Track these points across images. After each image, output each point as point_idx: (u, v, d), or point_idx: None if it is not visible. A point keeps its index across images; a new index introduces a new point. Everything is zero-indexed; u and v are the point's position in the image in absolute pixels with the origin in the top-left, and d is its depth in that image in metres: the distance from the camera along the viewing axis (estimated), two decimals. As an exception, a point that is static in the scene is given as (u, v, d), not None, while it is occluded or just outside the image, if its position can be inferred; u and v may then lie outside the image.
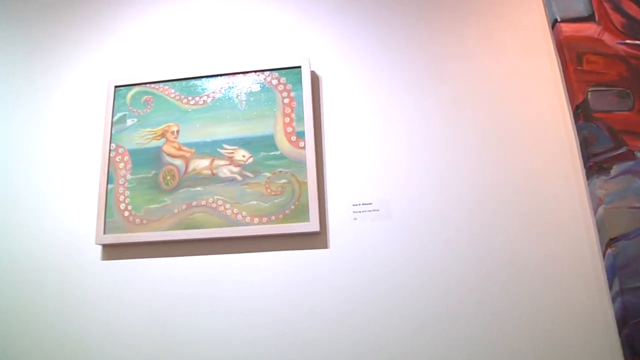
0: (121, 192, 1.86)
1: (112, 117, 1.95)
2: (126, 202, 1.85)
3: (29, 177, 2.01)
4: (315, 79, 1.91)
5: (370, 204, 1.77)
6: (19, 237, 1.93)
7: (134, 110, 1.95)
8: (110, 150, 1.91)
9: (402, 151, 1.81)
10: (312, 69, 1.93)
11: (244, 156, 1.83)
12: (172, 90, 1.96)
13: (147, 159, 1.88)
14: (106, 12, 2.21)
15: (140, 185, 1.85)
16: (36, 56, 2.21)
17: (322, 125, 1.88)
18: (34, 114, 2.10)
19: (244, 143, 1.84)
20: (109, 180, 1.88)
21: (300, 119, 1.84)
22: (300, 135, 1.82)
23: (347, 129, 1.87)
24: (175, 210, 1.81)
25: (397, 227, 1.64)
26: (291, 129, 1.84)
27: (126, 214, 1.83)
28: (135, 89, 1.98)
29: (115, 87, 1.98)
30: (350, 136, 1.86)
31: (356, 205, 1.78)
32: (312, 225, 1.71)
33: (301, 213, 1.73)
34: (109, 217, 1.84)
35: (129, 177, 1.87)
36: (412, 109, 1.86)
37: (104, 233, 1.82)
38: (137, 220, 1.82)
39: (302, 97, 1.86)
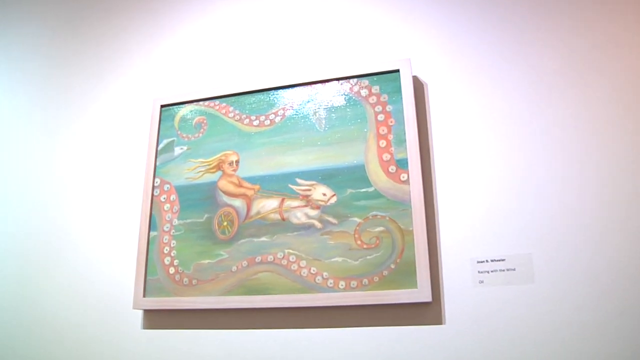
0: (166, 242, 1.41)
1: (157, 144, 1.52)
2: (172, 255, 1.40)
3: (59, 217, 1.62)
4: (418, 87, 1.40)
5: (502, 260, 1.25)
6: (45, 293, 1.53)
7: (184, 135, 1.52)
8: (154, 187, 1.48)
9: (546, 186, 1.24)
10: (413, 74, 1.40)
11: (324, 194, 1.32)
12: (231, 109, 1.51)
13: (199, 199, 1.43)
14: (151, 16, 1.81)
15: (190, 234, 1.40)
16: (70, 67, 1.84)
17: (430, 150, 1.35)
18: (66, 141, 1.73)
19: (324, 177, 1.34)
20: (151, 226, 1.44)
21: (401, 142, 1.32)
22: (402, 164, 1.30)
23: (465, 155, 1.34)
24: (234, 268, 1.33)
25: (543, 294, 1.20)
26: (389, 156, 1.32)
27: (172, 270, 1.38)
28: (185, 108, 1.55)
29: (162, 106, 1.56)
30: (470, 165, 1.33)
31: (482, 262, 1.24)
32: (422, 293, 1.18)
33: (405, 275, 1.21)
34: (151, 274, 1.39)
35: (175, 222, 1.42)
36: (556, 124, 1.29)
37: (145, 295, 1.38)
38: (186, 280, 1.36)
39: (402, 111, 1.34)
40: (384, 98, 1.39)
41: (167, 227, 1.45)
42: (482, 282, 1.25)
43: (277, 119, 1.47)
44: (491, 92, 1.38)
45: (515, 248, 1.25)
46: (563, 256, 1.21)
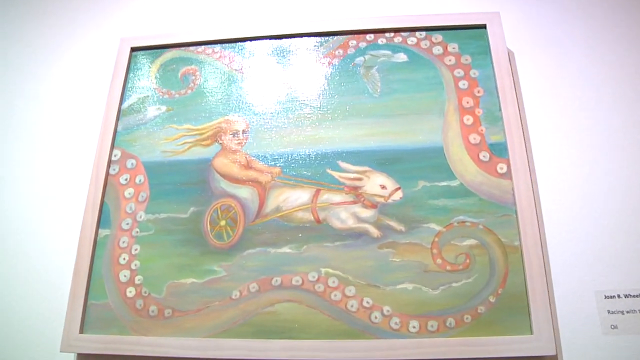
0: (124, 246, 0.88)
1: (121, 101, 0.99)
2: (133, 267, 0.87)
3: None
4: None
5: None
6: None
7: (163, 90, 1.01)
8: (110, 163, 0.94)
9: None
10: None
11: (383, 187, 0.86)
12: (237, 57, 1.02)
13: (182, 184, 0.92)
14: None
15: (165, 236, 0.88)
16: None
17: (526, 134, 0.93)
18: None
19: (382, 161, 0.88)
20: (100, 220, 0.89)
21: (496, 119, 0.89)
22: (498, 150, 0.87)
23: (579, 145, 0.96)
24: (235, 294, 0.83)
25: None
26: (478, 139, 0.88)
27: (130, 293, 0.85)
28: (167, 55, 1.05)
29: (133, 49, 1.05)
30: (587, 158, 0.94)
31: (611, 298, 0.84)
32: (540, 343, 0.76)
33: (511, 313, 0.79)
34: (96, 296, 0.86)
35: (142, 217, 0.90)
36: None
37: (82, 331, 0.83)
38: (153, 309, 0.83)
39: (493, 78, 0.92)
40: (466, 60, 0.97)
41: (126, 224, 0.91)
42: (615, 327, 0.83)
43: (310, 75, 0.99)
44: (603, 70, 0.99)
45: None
46: None
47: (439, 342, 0.79)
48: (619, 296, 0.86)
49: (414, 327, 0.81)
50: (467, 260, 0.84)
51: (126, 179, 0.96)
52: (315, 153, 0.93)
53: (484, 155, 0.90)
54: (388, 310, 0.82)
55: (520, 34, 1.05)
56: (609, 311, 0.85)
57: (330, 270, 0.85)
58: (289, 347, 0.81)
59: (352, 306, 0.83)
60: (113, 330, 0.86)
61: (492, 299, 0.81)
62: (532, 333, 0.79)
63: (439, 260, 0.84)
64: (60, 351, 0.85)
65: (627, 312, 0.85)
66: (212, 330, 0.84)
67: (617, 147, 0.93)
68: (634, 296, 0.85)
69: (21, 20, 1.23)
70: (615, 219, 0.89)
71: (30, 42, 1.19)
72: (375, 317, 0.82)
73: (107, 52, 1.13)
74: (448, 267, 0.84)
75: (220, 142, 0.96)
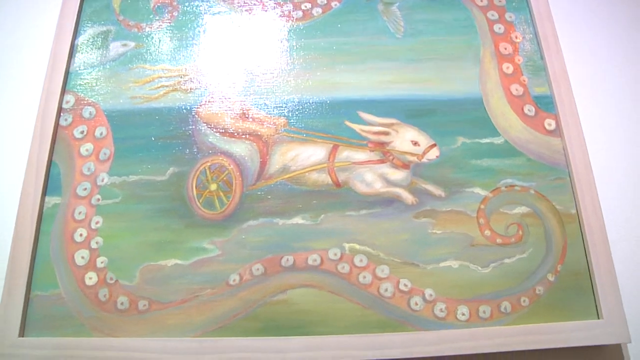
0: (80, 218, 0.66)
1: (74, 35, 0.76)
2: (93, 245, 0.65)
3: None
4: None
5: None
6: None
7: (130, 23, 0.79)
8: (60, 111, 0.71)
9: None
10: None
11: (416, 144, 0.69)
12: (228, -14, 0.81)
13: (158, 138, 0.71)
14: None
15: (135, 205, 0.67)
16: None
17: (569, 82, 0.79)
18: None
19: (412, 113, 0.72)
20: (47, 184, 0.66)
21: (538, 69, 0.75)
22: (544, 104, 0.75)
23: (623, 98, 0.81)
24: (234, 279, 0.63)
25: None
26: (521, 90, 0.74)
27: (91, 279, 0.64)
28: (135, -23, 0.82)
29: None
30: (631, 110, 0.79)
31: None
32: (611, 328, 0.63)
33: (576, 293, 0.66)
34: (41, 286, 0.62)
35: (105, 179, 0.68)
36: None
37: (23, 333, 0.60)
38: (123, 301, 0.61)
39: (532, 23, 0.78)
40: (500, 2, 0.82)
41: (84, 190, 0.69)
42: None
43: (316, 11, 0.81)
44: None
45: None
46: None
47: (494, 332, 0.64)
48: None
49: (463, 314, 0.65)
50: (520, 232, 0.69)
51: (82, 132, 0.73)
52: (329, 101, 0.75)
53: (529, 109, 0.76)
54: (431, 295, 0.66)
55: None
56: None
57: (357, 246, 0.67)
58: (308, 346, 0.62)
59: (386, 290, 0.66)
60: (67, 331, 0.64)
61: (551, 278, 0.67)
62: (600, 317, 0.64)
63: (487, 232, 0.69)
64: (-8, 360, 0.62)
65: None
66: (204, 327, 0.64)
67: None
68: None
69: None
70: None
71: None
72: (416, 304, 0.65)
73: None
74: (498, 240, 0.69)
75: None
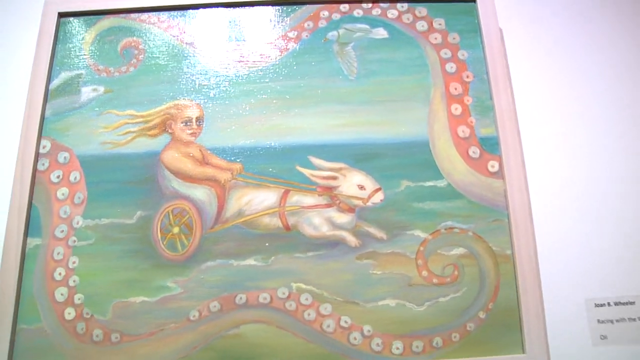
0: (59, 258, 0.75)
1: (49, 79, 0.82)
2: (70, 283, 0.74)
3: None
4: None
5: (632, 304, 0.81)
6: None
7: (100, 67, 0.84)
8: (37, 156, 0.78)
9: None
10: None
11: (362, 188, 0.75)
12: (190, 28, 0.85)
13: (126, 183, 0.78)
14: None
15: (108, 246, 0.75)
16: None
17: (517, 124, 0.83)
18: None
19: (360, 157, 0.77)
20: (28, 228, 0.75)
21: (487, 109, 0.79)
22: (489, 146, 0.78)
23: (570, 140, 0.88)
24: (194, 315, 0.72)
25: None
26: (468, 132, 0.78)
27: (69, 314, 0.73)
28: (104, 22, 0.88)
29: (61, 15, 0.86)
30: (579, 154, 0.87)
31: (601, 306, 0.80)
32: None
33: (503, 330, 0.73)
34: (26, 320, 0.73)
35: (79, 222, 0.76)
36: None
37: (10, 363, 0.70)
38: (98, 334, 0.72)
39: (484, 61, 0.80)
40: (454, 39, 0.85)
41: (61, 232, 0.77)
42: (604, 337, 0.78)
43: (274, 54, 0.85)
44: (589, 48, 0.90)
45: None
46: None
47: (424, 365, 0.71)
48: (608, 304, 0.80)
49: (397, 348, 0.73)
50: (456, 272, 0.76)
51: (58, 177, 0.80)
52: (282, 146, 0.81)
53: (474, 151, 0.80)
54: (369, 330, 0.74)
55: (513, 9, 0.93)
56: (598, 320, 0.80)
57: (303, 286, 0.75)
58: (258, 375, 0.71)
59: (328, 326, 0.74)
60: (49, 360, 0.73)
61: (482, 315, 0.74)
62: (524, 352, 0.72)
63: (424, 273, 0.75)
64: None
65: (617, 320, 0.80)
66: (169, 357, 0.73)
67: (614, 149, 0.85)
68: (623, 304, 0.80)
69: None
70: (608, 224, 0.83)
71: None
72: (355, 339, 0.73)
73: (29, 17, 0.93)
74: (435, 280, 0.75)
75: (170, 131, 0.82)
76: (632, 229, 0.83)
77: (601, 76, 0.90)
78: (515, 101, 0.87)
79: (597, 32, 0.93)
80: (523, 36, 0.93)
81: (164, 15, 0.88)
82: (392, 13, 0.88)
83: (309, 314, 0.74)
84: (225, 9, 0.88)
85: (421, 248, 0.76)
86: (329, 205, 0.78)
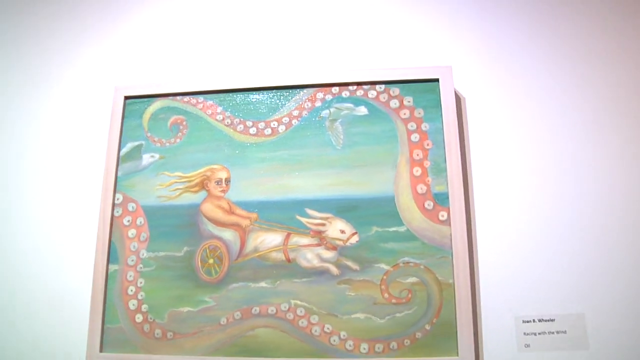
0: (131, 279, 1.08)
1: (119, 148, 1.15)
2: (139, 297, 1.08)
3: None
4: (457, 102, 1.12)
5: (552, 320, 1.06)
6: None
7: (155, 139, 1.16)
8: (114, 206, 1.12)
9: (606, 234, 1.08)
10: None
11: (342, 232, 1.05)
12: (219, 109, 1.17)
13: (176, 226, 1.11)
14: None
15: (164, 272, 1.08)
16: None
17: (469, 182, 1.10)
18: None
19: (342, 209, 1.06)
20: (109, 257, 1.09)
21: (440, 171, 1.06)
22: (441, 200, 1.05)
23: (511, 191, 1.14)
24: (223, 321, 1.04)
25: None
26: (425, 189, 1.06)
27: (139, 318, 1.06)
28: (158, 103, 1.19)
29: (127, 98, 1.18)
30: (516, 204, 1.13)
31: (528, 322, 1.05)
32: None
33: (443, 338, 1.01)
34: (110, 321, 1.07)
35: (144, 254, 1.09)
36: (618, 155, 1.10)
37: (102, 350, 1.05)
38: (158, 332, 1.05)
39: (441, 132, 1.08)
40: (419, 113, 1.11)
41: (132, 260, 1.11)
42: (528, 346, 1.05)
43: (282, 128, 1.15)
44: (540, 112, 1.15)
45: (567, 307, 1.05)
46: (620, 317, 1.03)
47: (383, 361, 1.01)
48: (533, 321, 1.07)
49: (364, 348, 1.03)
50: (409, 295, 1.04)
51: (128, 221, 1.14)
52: (286, 200, 1.11)
53: (429, 204, 1.08)
54: (344, 335, 1.04)
55: (472, 79, 1.18)
56: (524, 333, 1.06)
57: (299, 302, 1.06)
58: (267, 364, 1.03)
59: (315, 331, 1.04)
60: (127, 350, 1.08)
61: (427, 327, 1.03)
62: (458, 355, 1.00)
63: (386, 295, 1.05)
64: (86, 365, 1.08)
65: (539, 333, 1.06)
66: (206, 350, 1.06)
67: (539, 198, 1.11)
68: (544, 320, 1.07)
69: (24, 66, 1.35)
70: (537, 262, 1.08)
71: (27, 90, 1.33)
72: (334, 340, 1.04)
73: (100, 98, 1.27)
74: (393, 301, 1.04)
75: (207, 189, 1.14)
76: (557, 259, 1.08)
77: (554, 137, 1.15)
78: (472, 161, 1.13)
79: (554, 93, 1.17)
80: (484, 102, 1.17)
81: (200, 98, 1.19)
82: (372, 93, 1.15)
83: (302, 322, 1.06)
84: (244, 93, 1.18)
85: (384, 277, 1.06)
86: (318, 245, 1.08)
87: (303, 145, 1.13)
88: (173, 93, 1.19)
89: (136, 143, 1.18)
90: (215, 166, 1.14)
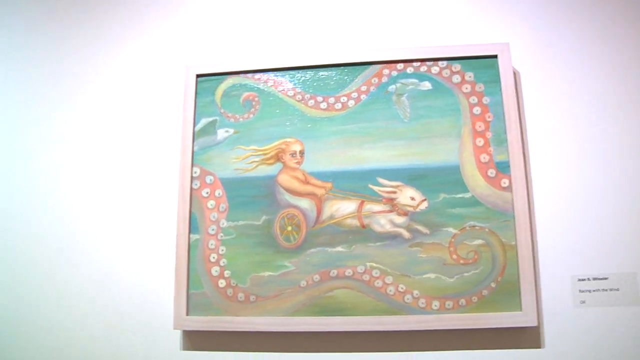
0: (212, 247, 1.15)
1: (194, 124, 1.21)
2: (221, 264, 1.15)
3: (69, 215, 1.29)
4: (514, 77, 1.20)
5: (606, 279, 1.14)
6: (57, 307, 1.23)
7: (229, 115, 1.22)
8: (192, 179, 1.18)
9: None
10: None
11: (413, 199, 1.12)
12: (290, 85, 1.23)
13: (254, 197, 1.17)
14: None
15: (244, 239, 1.15)
16: (75, 27, 1.44)
17: (525, 152, 1.18)
18: (72, 121, 1.36)
19: (412, 177, 1.14)
20: (191, 227, 1.16)
21: (502, 141, 1.14)
22: (502, 168, 1.13)
23: (566, 160, 1.21)
24: (303, 283, 1.11)
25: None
26: (487, 158, 1.13)
27: (222, 283, 1.13)
28: (229, 81, 1.25)
29: (198, 76, 1.24)
30: (572, 172, 1.20)
31: (583, 280, 1.13)
32: (527, 317, 1.07)
33: (507, 295, 1.09)
34: (194, 287, 1.14)
35: (224, 224, 1.16)
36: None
37: (188, 314, 1.12)
38: (241, 296, 1.13)
39: (501, 105, 1.15)
40: (480, 88, 1.19)
41: (212, 230, 1.18)
42: (583, 302, 1.13)
43: (351, 103, 1.22)
44: (589, 86, 1.22)
45: (620, 266, 1.14)
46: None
47: (454, 317, 1.10)
48: (588, 279, 1.15)
49: (435, 305, 1.11)
50: (476, 256, 1.13)
51: (207, 193, 1.21)
52: (359, 170, 1.18)
53: (491, 172, 1.16)
54: (417, 294, 1.12)
55: (529, 56, 1.25)
56: (580, 290, 1.14)
57: (374, 264, 1.14)
58: (345, 322, 1.11)
59: (390, 291, 1.13)
60: (211, 312, 1.15)
61: (493, 285, 1.11)
62: (521, 310, 1.09)
63: (454, 256, 1.13)
64: (173, 329, 1.15)
65: (593, 290, 1.15)
66: (287, 311, 1.14)
67: (594, 166, 1.20)
68: (598, 279, 1.15)
69: (96, 51, 1.40)
70: (591, 224, 1.16)
71: (101, 71, 1.38)
72: (407, 299, 1.12)
73: (172, 77, 1.32)
74: (461, 261, 1.13)
75: (282, 161, 1.20)
76: (610, 222, 1.16)
77: (605, 109, 1.22)
78: (528, 132, 1.21)
79: (604, 70, 1.24)
80: (539, 78, 1.24)
81: (271, 75, 1.25)
82: (435, 69, 1.22)
83: (377, 283, 1.14)
84: (315, 69, 1.24)
85: (452, 240, 1.14)
86: (390, 211, 1.16)
87: (372, 118, 1.20)
88: (244, 71, 1.25)
89: (210, 119, 1.24)
90: (289, 139, 1.21)
